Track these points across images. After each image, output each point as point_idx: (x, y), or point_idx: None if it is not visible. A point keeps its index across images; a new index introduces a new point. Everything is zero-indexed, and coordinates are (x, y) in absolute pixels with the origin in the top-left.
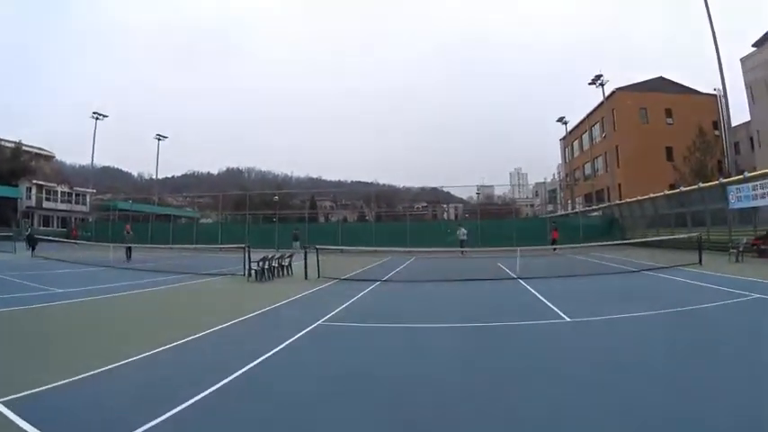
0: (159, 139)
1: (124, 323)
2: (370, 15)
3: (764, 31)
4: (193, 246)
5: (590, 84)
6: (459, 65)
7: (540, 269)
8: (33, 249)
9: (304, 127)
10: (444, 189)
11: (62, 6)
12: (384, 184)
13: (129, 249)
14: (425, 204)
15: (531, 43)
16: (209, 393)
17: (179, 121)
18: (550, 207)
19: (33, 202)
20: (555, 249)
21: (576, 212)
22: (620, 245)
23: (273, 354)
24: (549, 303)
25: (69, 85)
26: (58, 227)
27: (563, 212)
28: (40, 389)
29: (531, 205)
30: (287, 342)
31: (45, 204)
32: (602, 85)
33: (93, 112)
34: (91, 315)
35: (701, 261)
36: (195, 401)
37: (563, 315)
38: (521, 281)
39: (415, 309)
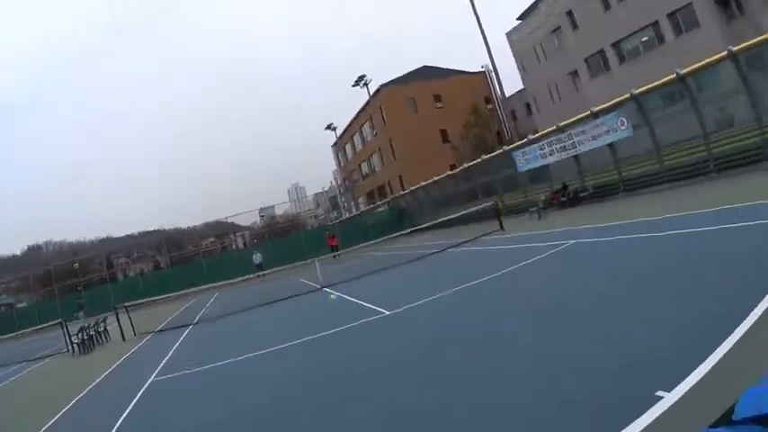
0: None
1: None
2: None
3: (527, 5)
4: (16, 333)
5: (354, 85)
6: (216, 89)
7: (340, 274)
8: None
9: (86, 188)
10: (228, 220)
11: None
12: (170, 229)
13: None
14: (213, 239)
15: (290, 56)
16: None
17: None
18: (334, 214)
19: None
20: (335, 256)
21: (361, 212)
22: (413, 231)
23: (123, 420)
24: (363, 303)
25: None
26: None
27: (348, 215)
28: None
29: (315, 216)
30: (130, 406)
31: None
32: (365, 84)
33: None
34: None
35: (501, 227)
36: None
37: (382, 309)
38: (327, 289)
39: (235, 342)
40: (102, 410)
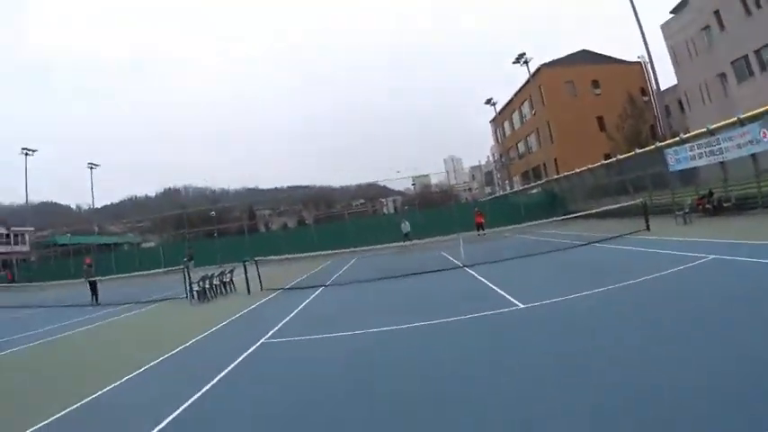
0: (92, 168)
1: (53, 372)
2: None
3: None
4: (137, 273)
5: (514, 63)
6: (385, 53)
7: (485, 254)
8: None
9: (238, 139)
10: (381, 183)
11: None
12: (320, 186)
13: (93, 286)
14: (363, 201)
15: (453, 28)
16: None
17: (113, 146)
18: (488, 189)
19: None
20: (479, 234)
21: (516, 192)
22: (564, 219)
23: (216, 383)
24: (499, 290)
25: None
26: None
27: (502, 193)
28: None
29: (469, 189)
30: (231, 366)
31: None
32: (526, 63)
33: (22, 148)
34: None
35: (648, 227)
36: None
37: (515, 302)
38: (467, 269)
39: (362, 312)
40: (200, 364)
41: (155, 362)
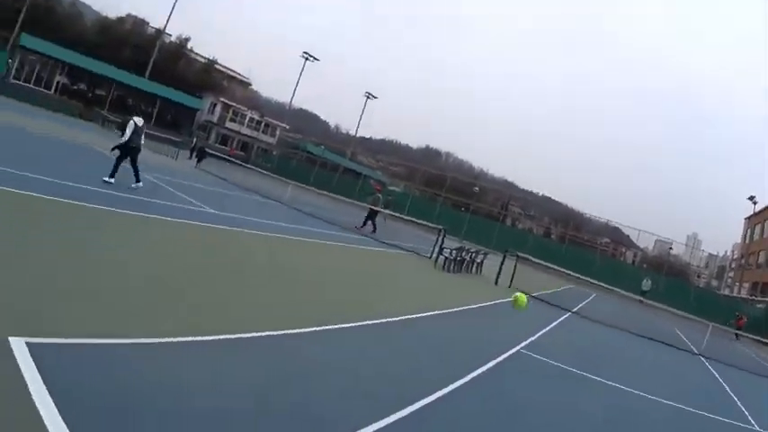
0: (368, 98)
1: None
2: None
3: None
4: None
5: None
6: (666, 112)
7: (723, 351)
8: (200, 161)
9: (510, 130)
10: (625, 231)
11: None
12: (572, 207)
13: (373, 216)
14: (608, 241)
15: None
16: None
17: (389, 84)
18: (715, 282)
19: (215, 118)
20: (737, 336)
21: (747, 298)
22: None
23: (468, 381)
24: (736, 399)
25: (279, 21)
26: (237, 150)
27: (727, 293)
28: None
29: (699, 276)
30: (486, 367)
31: (228, 124)
32: None
33: (304, 52)
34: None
35: None
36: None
37: (752, 420)
38: (702, 359)
39: (615, 361)
40: (452, 357)
41: (407, 316)
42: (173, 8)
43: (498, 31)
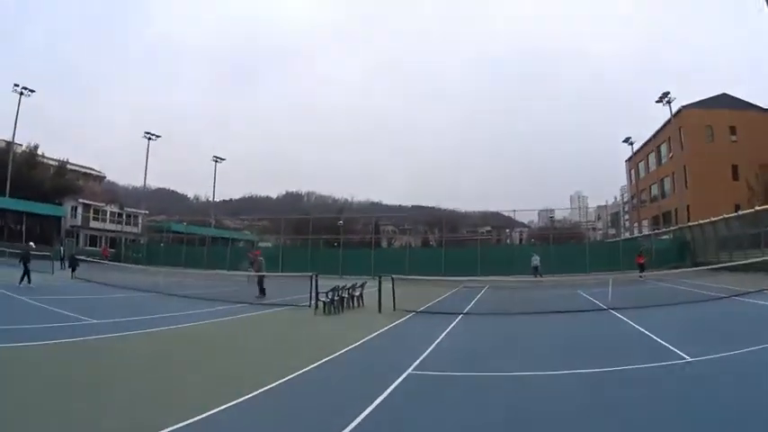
0: (216, 161)
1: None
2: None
3: None
4: (251, 273)
5: (657, 101)
6: (514, 81)
7: (628, 298)
8: (73, 270)
9: (361, 152)
10: (505, 213)
11: (108, 25)
12: (445, 209)
13: (261, 281)
14: (490, 229)
15: (585, 59)
16: None
17: (235, 143)
18: (612, 230)
19: (79, 221)
20: (641, 276)
21: (649, 235)
22: (696, 270)
23: (364, 418)
24: (658, 339)
25: (121, 106)
26: (108, 247)
27: (628, 236)
28: None
29: (594, 229)
30: (378, 400)
31: (92, 224)
32: (668, 102)
33: (146, 132)
34: (139, 355)
35: None
36: None
37: (682, 354)
38: (614, 312)
39: (511, 350)
40: (344, 392)
41: (295, 374)
42: (17, 116)
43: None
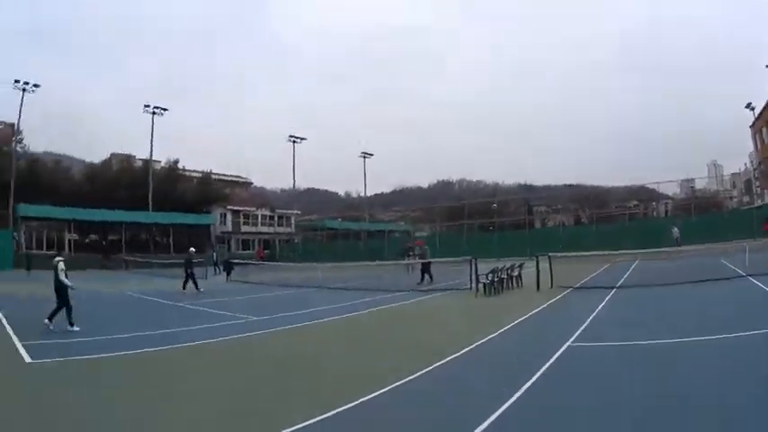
0: (365, 157)
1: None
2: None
3: None
4: (412, 261)
5: None
6: (641, 55)
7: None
8: (228, 274)
9: (509, 135)
10: (649, 186)
11: (243, 29)
12: (590, 185)
13: (427, 268)
14: (636, 203)
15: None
16: None
17: (381, 137)
18: (746, 198)
19: (230, 227)
20: None
21: None
22: None
23: (529, 386)
24: None
25: (262, 113)
26: (262, 249)
27: (760, 203)
28: None
29: (731, 197)
30: (541, 370)
31: (243, 228)
32: None
33: (290, 136)
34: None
35: None
36: None
37: None
38: (750, 278)
39: (665, 319)
40: (509, 365)
41: (455, 354)
42: (152, 135)
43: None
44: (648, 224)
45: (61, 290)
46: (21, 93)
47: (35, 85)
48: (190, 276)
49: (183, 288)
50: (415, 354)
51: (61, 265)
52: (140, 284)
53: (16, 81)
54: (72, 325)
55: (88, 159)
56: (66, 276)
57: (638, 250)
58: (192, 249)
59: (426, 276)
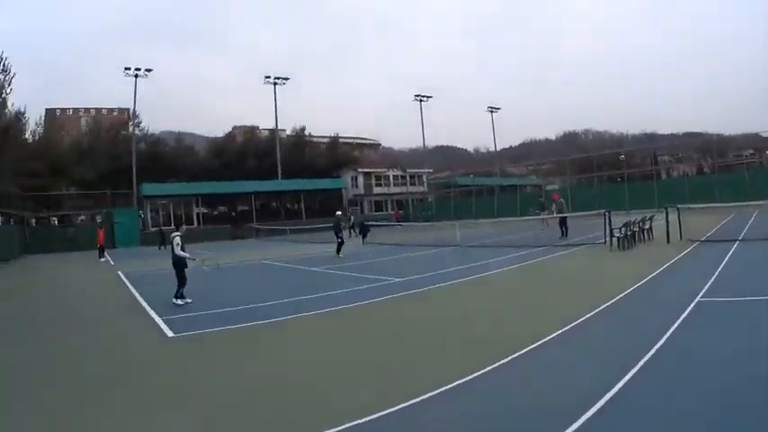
0: (492, 111)
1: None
2: None
3: None
4: (541, 217)
5: None
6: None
7: None
8: (364, 237)
9: (629, 81)
10: (764, 135)
11: None
12: (712, 133)
13: (564, 222)
14: (752, 152)
15: None
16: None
17: (505, 91)
18: None
19: (362, 190)
20: None
21: None
22: None
23: (664, 342)
24: None
25: (384, 77)
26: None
27: None
28: None
29: None
30: (676, 324)
31: (375, 190)
32: None
33: (416, 95)
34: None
35: None
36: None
37: None
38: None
39: None
40: (637, 323)
41: (589, 314)
42: (275, 104)
43: None
44: (765, 173)
45: (178, 264)
46: (133, 79)
47: (147, 70)
48: (338, 240)
49: (338, 253)
50: (561, 309)
51: (177, 240)
52: (276, 252)
53: (126, 68)
54: (177, 298)
55: (210, 135)
56: (183, 249)
57: (760, 201)
58: (339, 212)
59: (564, 230)
